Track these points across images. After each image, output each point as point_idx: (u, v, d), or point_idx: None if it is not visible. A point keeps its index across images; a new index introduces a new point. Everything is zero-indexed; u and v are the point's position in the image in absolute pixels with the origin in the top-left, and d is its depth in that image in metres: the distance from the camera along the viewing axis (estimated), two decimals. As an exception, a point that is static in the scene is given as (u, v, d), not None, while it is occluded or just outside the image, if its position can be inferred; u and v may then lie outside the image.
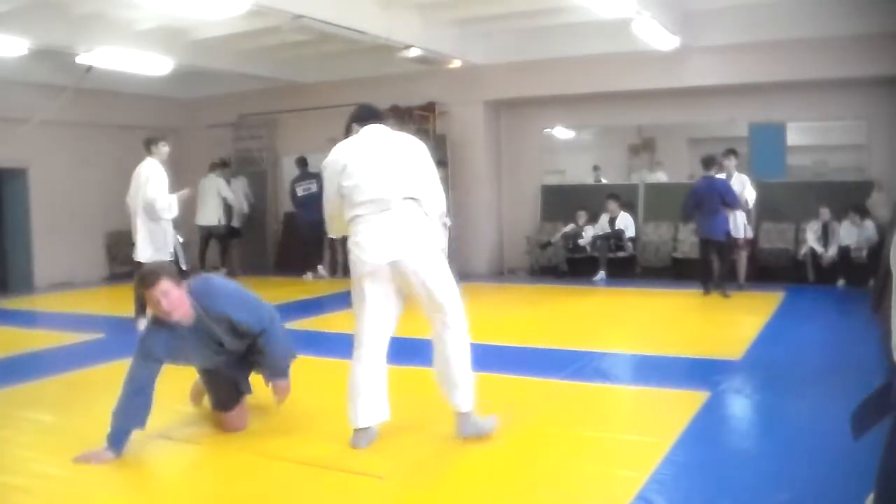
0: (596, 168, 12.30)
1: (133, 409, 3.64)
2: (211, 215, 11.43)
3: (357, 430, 3.70)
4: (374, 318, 3.67)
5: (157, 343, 3.67)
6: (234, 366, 3.99)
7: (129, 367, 3.71)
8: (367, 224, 3.59)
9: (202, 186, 11.47)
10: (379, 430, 3.76)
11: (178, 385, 4.82)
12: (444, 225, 4.11)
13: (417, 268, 3.60)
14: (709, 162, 8.66)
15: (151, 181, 6.84)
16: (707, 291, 8.59)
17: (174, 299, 3.57)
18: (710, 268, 8.71)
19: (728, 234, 8.54)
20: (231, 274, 11.13)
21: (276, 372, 3.95)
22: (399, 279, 3.63)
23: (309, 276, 10.93)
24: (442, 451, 3.73)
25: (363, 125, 3.83)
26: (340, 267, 11.34)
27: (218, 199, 11.42)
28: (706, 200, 8.47)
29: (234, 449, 3.75)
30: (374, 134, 3.80)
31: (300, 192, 11.01)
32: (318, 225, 11.39)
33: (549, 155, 11.86)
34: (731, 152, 8.89)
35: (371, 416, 3.69)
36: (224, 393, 3.99)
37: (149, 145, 7.09)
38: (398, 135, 3.86)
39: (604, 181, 11.97)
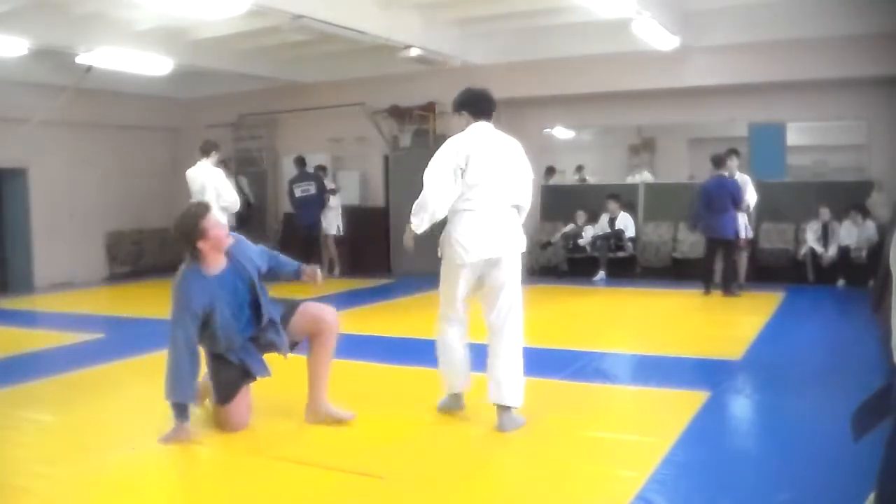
0: (580, 168, 12.21)
1: (192, 372, 3.76)
2: None
3: (453, 395, 4.15)
4: (462, 300, 4.04)
5: (194, 294, 3.71)
6: (251, 345, 3.99)
7: (173, 330, 3.73)
8: (473, 221, 3.90)
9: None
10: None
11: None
12: None
13: (505, 267, 3.96)
14: (719, 161, 8.64)
15: (220, 185, 7.52)
16: (708, 291, 8.60)
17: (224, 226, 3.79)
18: (712, 268, 8.72)
19: (737, 233, 8.57)
20: None
21: (298, 266, 4.22)
22: (485, 272, 3.97)
23: None
24: (442, 451, 3.74)
25: (477, 119, 4.02)
26: (338, 266, 11.33)
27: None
28: (716, 200, 8.47)
29: (234, 449, 3.75)
30: (490, 135, 4.03)
31: (298, 192, 10.97)
32: (315, 226, 11.33)
33: (549, 155, 11.86)
34: (733, 152, 8.87)
35: (465, 382, 4.13)
36: (230, 377, 3.95)
37: (209, 150, 7.70)
38: (506, 138, 4.08)
39: (589, 180, 11.93)
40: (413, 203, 3.97)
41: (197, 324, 3.74)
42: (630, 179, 11.61)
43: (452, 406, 4.19)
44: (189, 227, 3.72)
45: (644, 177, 11.54)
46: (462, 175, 3.87)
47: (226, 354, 3.94)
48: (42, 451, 3.83)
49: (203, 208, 3.82)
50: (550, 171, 11.75)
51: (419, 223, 3.94)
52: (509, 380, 3.92)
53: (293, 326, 4.05)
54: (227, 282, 3.81)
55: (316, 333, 4.05)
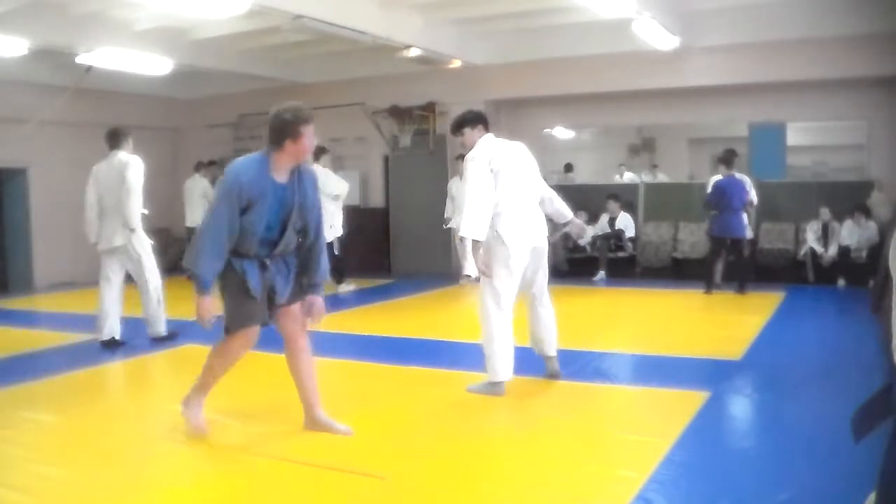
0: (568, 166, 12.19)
1: (219, 252, 3.62)
2: (196, 217, 11.34)
3: (500, 384, 4.57)
4: (515, 287, 4.60)
5: (252, 179, 3.59)
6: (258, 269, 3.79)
7: (216, 205, 3.62)
8: (514, 219, 4.55)
9: (187, 188, 11.38)
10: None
11: (178, 385, 4.83)
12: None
13: (542, 252, 4.73)
14: (730, 160, 8.64)
15: (328, 181, 8.57)
16: (709, 291, 8.60)
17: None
18: (715, 268, 8.74)
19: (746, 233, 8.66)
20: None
21: (315, 284, 3.90)
22: (531, 258, 4.64)
23: None
24: (442, 450, 3.74)
25: (486, 132, 4.71)
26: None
27: (203, 201, 11.34)
28: (731, 198, 8.49)
29: (234, 449, 3.75)
30: (504, 143, 4.69)
31: None
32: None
33: (550, 155, 11.86)
34: (734, 152, 8.88)
35: (511, 369, 4.60)
36: (251, 309, 3.76)
37: (319, 154, 8.71)
38: (513, 142, 4.78)
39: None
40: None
41: (239, 206, 3.60)
42: (617, 179, 11.64)
43: (495, 392, 4.58)
44: (290, 121, 3.59)
45: (628, 176, 11.59)
46: (496, 180, 4.49)
47: (241, 268, 3.73)
48: (42, 451, 3.83)
49: (309, 115, 3.64)
50: (569, 167, 11.80)
51: (475, 231, 4.44)
52: (553, 336, 4.88)
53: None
54: (278, 193, 3.68)
55: (289, 333, 3.93)
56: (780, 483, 3.17)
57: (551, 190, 4.94)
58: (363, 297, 9.40)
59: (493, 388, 4.59)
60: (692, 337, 6.56)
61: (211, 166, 11.78)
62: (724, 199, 8.57)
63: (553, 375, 4.88)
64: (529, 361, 4.97)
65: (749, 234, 8.91)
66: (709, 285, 8.64)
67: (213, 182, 11.57)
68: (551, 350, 4.90)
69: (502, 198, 4.49)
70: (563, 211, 4.96)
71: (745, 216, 8.63)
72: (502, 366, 4.55)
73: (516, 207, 4.55)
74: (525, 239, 4.57)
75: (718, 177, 8.78)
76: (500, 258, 4.53)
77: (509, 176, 4.53)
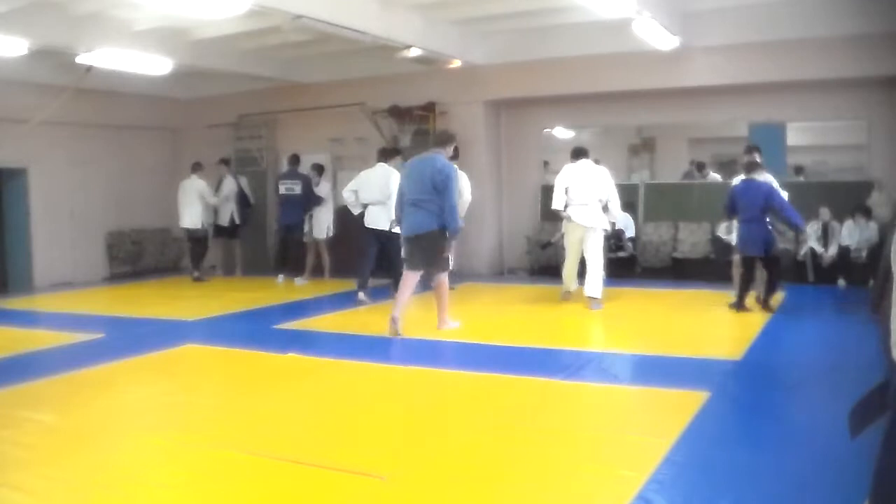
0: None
1: None
2: (193, 218, 11.12)
3: (567, 291, 8.25)
4: (572, 243, 8.10)
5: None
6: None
7: (454, 190, 6.42)
8: (573, 208, 8.00)
9: (183, 189, 11.16)
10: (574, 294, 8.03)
11: (179, 384, 4.83)
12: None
13: (590, 231, 7.94)
14: (752, 166, 7.50)
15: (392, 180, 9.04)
16: (739, 307, 7.49)
17: None
18: (747, 283, 7.61)
19: (771, 246, 7.52)
20: (199, 279, 11.00)
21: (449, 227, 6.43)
22: (583, 232, 7.94)
23: (280, 278, 10.49)
24: (442, 451, 3.74)
25: (577, 159, 8.14)
26: (327, 269, 10.86)
27: (199, 202, 11.13)
28: (741, 206, 7.45)
29: (234, 449, 3.75)
30: (584, 165, 8.08)
31: (282, 189, 10.67)
32: (296, 228, 11.08)
33: (550, 155, 11.86)
34: (757, 150, 7.87)
35: (574, 286, 8.15)
36: None
37: (385, 156, 8.97)
38: (595, 166, 8.16)
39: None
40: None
41: None
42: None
43: (565, 298, 8.20)
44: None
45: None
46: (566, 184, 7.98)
47: None
48: (42, 451, 3.83)
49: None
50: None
51: (555, 205, 8.14)
52: (593, 283, 7.79)
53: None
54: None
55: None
56: (780, 483, 3.17)
57: (613, 199, 8.06)
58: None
59: (563, 295, 8.18)
60: (692, 337, 6.56)
61: (220, 164, 11.68)
62: (737, 207, 7.50)
63: (589, 307, 7.69)
64: (527, 361, 4.97)
65: (777, 244, 7.66)
66: (740, 301, 7.48)
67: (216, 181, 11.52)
68: (589, 292, 7.81)
69: (570, 195, 7.91)
70: (609, 216, 8.16)
71: (769, 226, 7.44)
72: (566, 281, 8.20)
73: (576, 202, 7.92)
74: (577, 219, 7.93)
75: (740, 178, 7.74)
76: (567, 227, 8.06)
77: (573, 184, 7.95)
